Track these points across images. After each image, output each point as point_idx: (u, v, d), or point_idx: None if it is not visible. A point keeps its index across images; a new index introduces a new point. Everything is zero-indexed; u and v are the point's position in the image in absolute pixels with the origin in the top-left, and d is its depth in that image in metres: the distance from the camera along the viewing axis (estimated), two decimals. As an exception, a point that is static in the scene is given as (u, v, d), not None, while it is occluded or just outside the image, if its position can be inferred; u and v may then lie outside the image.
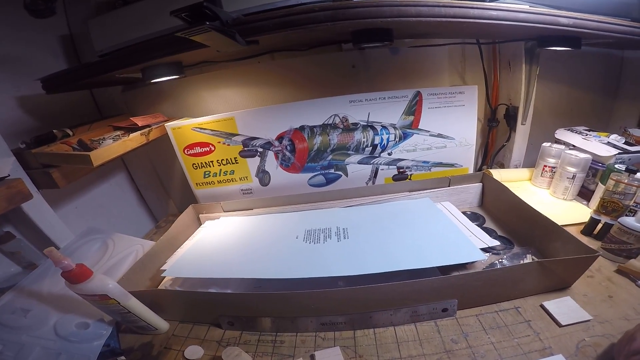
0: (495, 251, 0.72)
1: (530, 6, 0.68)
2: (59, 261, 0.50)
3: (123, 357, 0.58)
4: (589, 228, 0.75)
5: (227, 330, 0.61)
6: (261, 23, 0.60)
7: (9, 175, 0.67)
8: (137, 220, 1.19)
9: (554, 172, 0.92)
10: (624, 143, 0.86)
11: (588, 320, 0.53)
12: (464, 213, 0.85)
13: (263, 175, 1.00)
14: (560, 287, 0.60)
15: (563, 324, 0.53)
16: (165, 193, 1.21)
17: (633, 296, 0.57)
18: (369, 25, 0.65)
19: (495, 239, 0.74)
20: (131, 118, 0.88)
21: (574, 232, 0.70)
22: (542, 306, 0.57)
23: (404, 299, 0.56)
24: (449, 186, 0.93)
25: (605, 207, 0.73)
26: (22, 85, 0.82)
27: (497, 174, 0.97)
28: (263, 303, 0.59)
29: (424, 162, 0.99)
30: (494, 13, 0.62)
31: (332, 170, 0.99)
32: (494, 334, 0.54)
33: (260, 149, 0.96)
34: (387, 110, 0.92)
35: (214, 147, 0.96)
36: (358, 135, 0.94)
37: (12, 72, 0.80)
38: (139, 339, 0.62)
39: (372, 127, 0.94)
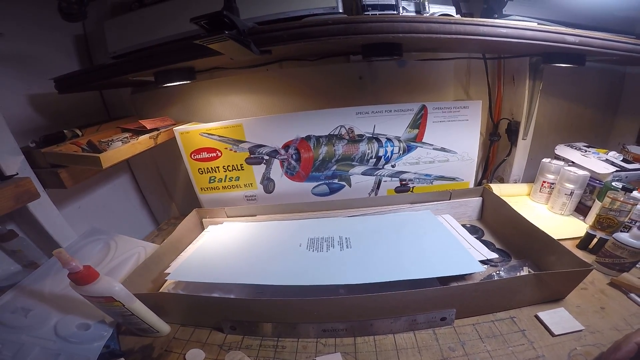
0: (493, 263, 0.73)
1: (538, 23, 0.70)
2: (67, 263, 0.50)
3: (122, 359, 0.58)
4: (584, 242, 0.77)
5: (229, 334, 0.61)
6: (276, 33, 0.61)
7: (17, 173, 0.68)
8: (138, 222, 1.19)
9: (553, 188, 0.94)
10: (621, 160, 0.88)
11: (580, 330, 0.55)
12: (463, 226, 0.86)
13: (268, 183, 1.00)
14: (554, 298, 0.62)
15: (556, 333, 0.54)
16: (168, 196, 1.21)
17: (624, 308, 0.59)
18: (380, 40, 0.66)
19: (493, 251, 0.75)
20: (140, 120, 0.88)
21: (570, 246, 0.72)
22: (536, 316, 0.59)
23: (404, 307, 0.57)
24: (449, 200, 0.94)
25: (601, 223, 0.74)
26: (33, 84, 0.82)
27: (497, 188, 0.98)
28: (265, 309, 0.59)
29: (426, 175, 1.00)
30: (503, 31, 0.63)
31: (335, 181, 1.00)
32: (489, 342, 0.55)
33: (266, 157, 0.97)
34: (392, 122, 0.93)
35: (221, 153, 0.96)
36: (363, 147, 0.95)
37: (25, 71, 0.81)
38: (140, 340, 0.61)
39: (377, 139, 0.95)
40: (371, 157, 0.97)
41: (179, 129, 0.94)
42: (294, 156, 0.96)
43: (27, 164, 0.71)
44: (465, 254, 0.70)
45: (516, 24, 0.65)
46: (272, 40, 0.62)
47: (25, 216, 0.72)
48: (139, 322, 0.59)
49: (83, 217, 0.92)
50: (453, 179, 1.01)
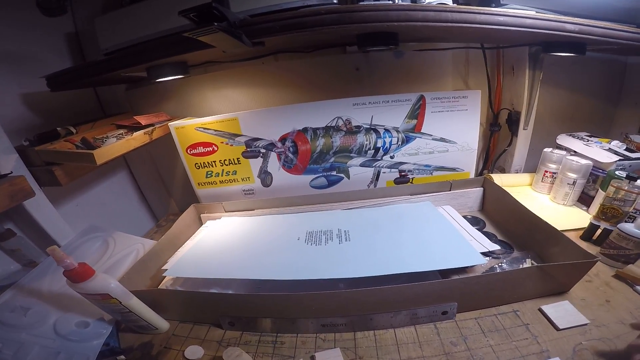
0: (495, 255, 0.72)
1: (536, 12, 0.68)
2: (61, 260, 0.50)
3: (122, 357, 0.58)
4: (588, 233, 0.76)
5: (228, 330, 0.61)
6: (268, 24, 0.60)
7: (12, 172, 0.67)
8: (137, 219, 1.19)
9: (555, 178, 0.92)
10: (624, 149, 0.86)
11: (585, 324, 0.54)
12: (464, 217, 0.85)
13: (265, 176, 1.00)
14: (558, 291, 0.61)
15: (561, 327, 0.53)
16: (166, 192, 1.21)
17: (630, 300, 0.58)
18: (375, 29, 0.65)
19: (495, 243, 0.74)
20: (134, 117, 0.87)
21: (574, 237, 0.70)
22: (540, 310, 0.58)
23: (404, 301, 0.56)
24: (450, 190, 0.93)
25: (605, 213, 0.73)
26: (26, 83, 0.81)
27: (498, 178, 0.97)
28: (264, 304, 0.59)
29: (426, 165, 0.99)
30: (501, 19, 0.62)
31: (334, 173, 0.99)
32: (492, 337, 0.54)
33: (263, 150, 0.96)
34: (390, 113, 0.92)
35: (217, 147, 0.96)
36: (361, 138, 0.94)
37: (17, 70, 0.80)
38: (139, 338, 0.61)
39: (375, 130, 0.94)
40: (369, 149, 0.96)
41: (174, 124, 0.93)
42: (291, 149, 0.95)
43: (21, 162, 0.70)
44: (467, 246, 0.69)
45: (514, 12, 0.64)
46: (263, 31, 0.60)
47: (22, 215, 0.72)
48: (137, 319, 0.59)
49: (81, 215, 0.92)
50: (453, 169, 1.00)
